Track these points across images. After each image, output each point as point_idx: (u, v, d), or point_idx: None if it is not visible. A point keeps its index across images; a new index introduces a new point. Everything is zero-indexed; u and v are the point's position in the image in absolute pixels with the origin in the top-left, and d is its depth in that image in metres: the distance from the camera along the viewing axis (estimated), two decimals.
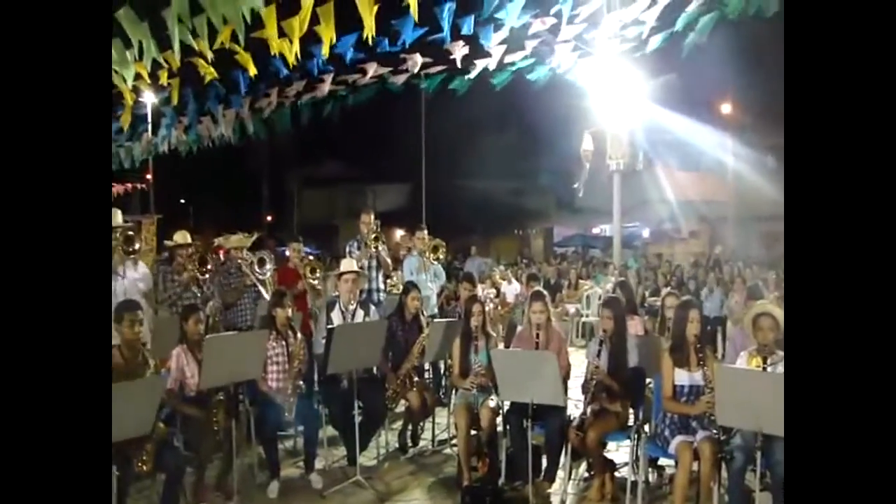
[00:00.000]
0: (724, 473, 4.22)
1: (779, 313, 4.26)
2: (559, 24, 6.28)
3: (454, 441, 5.64)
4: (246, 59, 5.20)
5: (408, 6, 4.59)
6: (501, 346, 6.37)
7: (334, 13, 4.61)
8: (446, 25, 6.24)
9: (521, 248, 30.59)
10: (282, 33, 4.71)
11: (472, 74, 7.82)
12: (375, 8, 4.39)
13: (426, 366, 6.61)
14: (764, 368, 4.11)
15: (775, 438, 3.81)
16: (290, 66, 5.27)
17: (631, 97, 12.62)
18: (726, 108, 25.04)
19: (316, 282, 7.20)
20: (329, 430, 5.51)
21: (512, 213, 29.96)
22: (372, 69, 8.29)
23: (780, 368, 4.17)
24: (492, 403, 5.05)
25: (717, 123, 24.34)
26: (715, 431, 4.20)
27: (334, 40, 5.52)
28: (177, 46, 4.48)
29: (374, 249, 7.33)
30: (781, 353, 4.25)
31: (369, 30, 4.49)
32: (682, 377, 4.46)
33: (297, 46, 4.76)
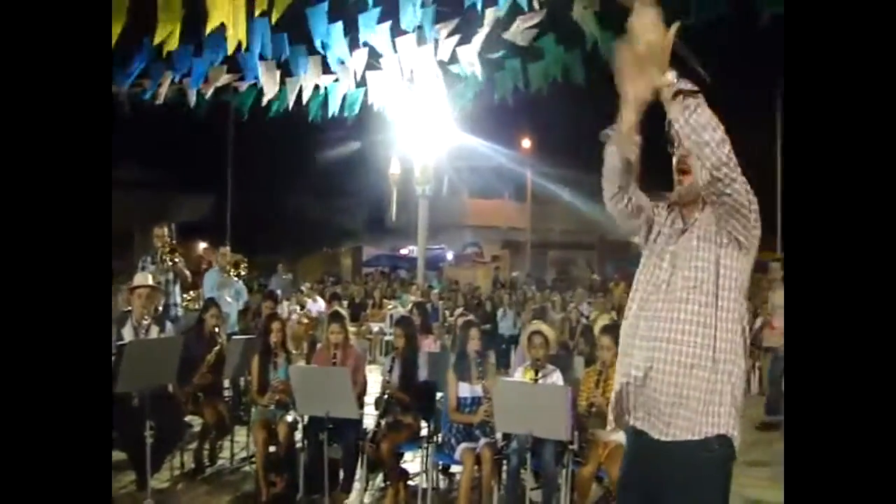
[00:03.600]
0: (504, 476, 4.69)
1: (549, 332, 4.85)
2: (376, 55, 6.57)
3: (254, 458, 5.63)
4: None
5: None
6: (302, 362, 6.46)
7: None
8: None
9: (330, 266, 30.54)
10: None
11: (292, 99, 7.86)
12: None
13: (225, 383, 6.50)
14: (535, 380, 4.65)
15: (545, 441, 4.35)
16: None
17: (438, 125, 13.28)
18: (526, 143, 26.98)
19: None
20: (116, 455, 5.22)
21: (321, 231, 29.83)
22: (167, 82, 7.97)
23: (551, 380, 4.74)
24: (289, 419, 5.14)
25: (519, 155, 26.23)
26: (494, 438, 4.66)
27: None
28: None
29: (170, 263, 7.08)
30: (552, 367, 4.84)
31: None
32: (465, 390, 4.89)
33: None
